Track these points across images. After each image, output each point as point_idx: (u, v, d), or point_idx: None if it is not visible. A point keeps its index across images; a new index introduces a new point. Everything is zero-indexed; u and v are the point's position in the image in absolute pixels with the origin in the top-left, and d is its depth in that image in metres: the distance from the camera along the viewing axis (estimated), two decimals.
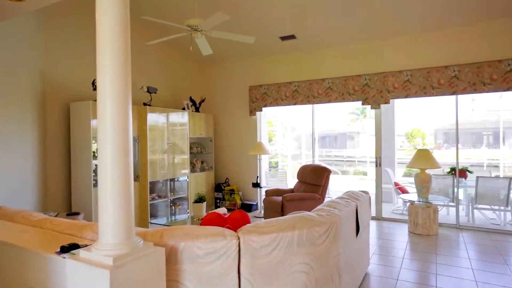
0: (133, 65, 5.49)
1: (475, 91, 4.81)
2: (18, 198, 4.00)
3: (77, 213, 3.93)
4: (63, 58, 4.54)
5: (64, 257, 1.64)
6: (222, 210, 3.44)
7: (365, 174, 13.88)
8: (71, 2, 4.60)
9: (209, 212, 2.43)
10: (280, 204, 5.12)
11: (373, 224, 5.38)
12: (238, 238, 1.95)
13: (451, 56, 4.96)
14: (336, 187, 10.11)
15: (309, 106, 6.46)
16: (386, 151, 7.64)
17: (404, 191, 6.42)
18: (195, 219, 4.04)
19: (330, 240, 2.28)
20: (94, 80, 4.63)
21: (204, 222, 2.18)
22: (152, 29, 5.68)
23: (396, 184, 6.58)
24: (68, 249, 1.71)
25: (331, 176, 5.56)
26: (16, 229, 2.22)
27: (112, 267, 1.44)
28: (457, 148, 5.30)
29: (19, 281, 1.91)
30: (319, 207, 2.62)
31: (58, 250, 1.74)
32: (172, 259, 1.86)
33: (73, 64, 4.65)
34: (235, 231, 2.03)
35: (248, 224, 2.08)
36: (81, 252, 1.59)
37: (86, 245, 1.75)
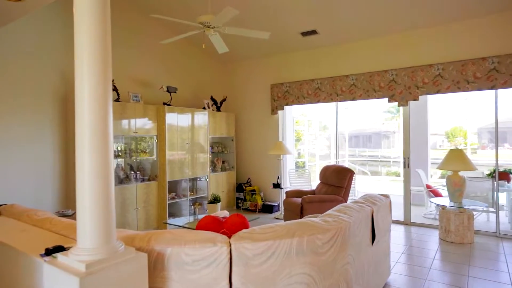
0: (153, 65, 5.53)
1: None
2: (42, 195, 4.14)
3: None
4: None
5: (45, 260, 1.59)
6: (223, 213, 3.31)
7: (398, 175, 13.20)
8: None
9: (205, 215, 2.31)
10: (299, 206, 4.92)
11: (400, 229, 5.03)
12: (230, 245, 1.81)
13: (489, 47, 4.50)
14: (365, 189, 9.67)
15: (337, 103, 6.17)
16: (419, 151, 7.16)
17: (437, 194, 5.96)
18: None
19: (336, 248, 2.08)
20: (112, 80, 4.69)
21: (199, 226, 2.07)
22: (171, 28, 5.69)
23: (428, 186, 6.13)
24: (51, 251, 1.66)
25: (360, 177, 5.27)
26: (17, 228, 2.23)
27: (83, 274, 1.36)
28: (497, 148, 4.82)
29: (11, 282, 1.90)
30: (327, 212, 2.42)
31: (43, 252, 1.70)
32: (158, 265, 1.76)
33: None
34: (230, 236, 1.89)
35: (243, 230, 1.94)
36: (59, 256, 1.53)
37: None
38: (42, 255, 1.68)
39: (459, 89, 4.67)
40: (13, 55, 3.92)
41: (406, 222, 5.32)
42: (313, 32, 5.47)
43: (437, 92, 4.83)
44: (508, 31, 4.39)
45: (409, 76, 5.04)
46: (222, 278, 1.78)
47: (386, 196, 3.25)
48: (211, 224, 2.07)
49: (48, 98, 4.24)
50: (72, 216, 3.86)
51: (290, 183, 6.66)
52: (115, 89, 4.68)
